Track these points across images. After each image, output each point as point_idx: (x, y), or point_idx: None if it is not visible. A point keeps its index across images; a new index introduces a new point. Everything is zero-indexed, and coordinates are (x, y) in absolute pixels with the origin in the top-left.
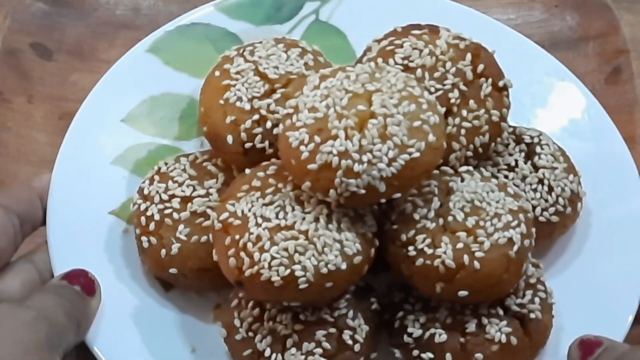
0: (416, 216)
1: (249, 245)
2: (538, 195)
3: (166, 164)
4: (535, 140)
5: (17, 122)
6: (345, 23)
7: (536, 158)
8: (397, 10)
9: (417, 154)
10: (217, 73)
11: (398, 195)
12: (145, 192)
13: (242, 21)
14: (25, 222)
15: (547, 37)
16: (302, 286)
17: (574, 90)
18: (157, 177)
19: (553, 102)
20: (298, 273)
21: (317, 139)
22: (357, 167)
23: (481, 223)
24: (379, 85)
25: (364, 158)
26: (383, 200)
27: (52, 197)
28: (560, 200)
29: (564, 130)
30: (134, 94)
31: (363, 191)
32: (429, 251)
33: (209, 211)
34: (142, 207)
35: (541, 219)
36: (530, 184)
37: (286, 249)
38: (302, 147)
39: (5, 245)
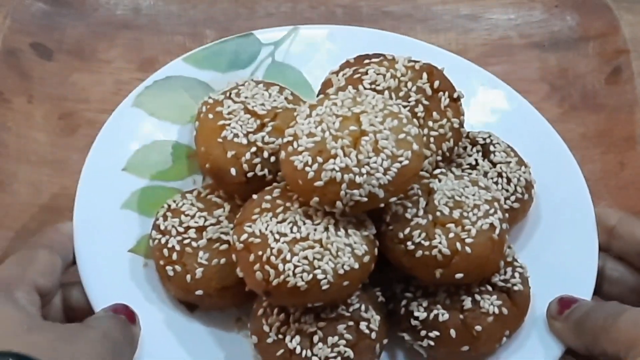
0: (408, 216)
1: (272, 258)
2: (500, 186)
3: (174, 201)
4: (488, 140)
5: (17, 122)
6: (298, 61)
7: (492, 155)
8: (341, 46)
9: (406, 162)
10: (210, 116)
11: (394, 198)
12: (162, 227)
13: (209, 70)
14: (63, 262)
15: (547, 37)
16: (324, 287)
17: (506, 95)
18: (169, 214)
19: (488, 109)
20: (320, 276)
21: (320, 159)
22: (358, 179)
23: (465, 214)
24: (363, 107)
25: (363, 170)
26: (382, 205)
27: (77, 242)
28: (518, 189)
29: (502, 132)
30: (129, 145)
31: (365, 199)
32: (426, 243)
33: (223, 237)
34: (162, 240)
35: (505, 206)
36: (492, 178)
37: (306, 257)
38: (307, 168)
39: (53, 283)
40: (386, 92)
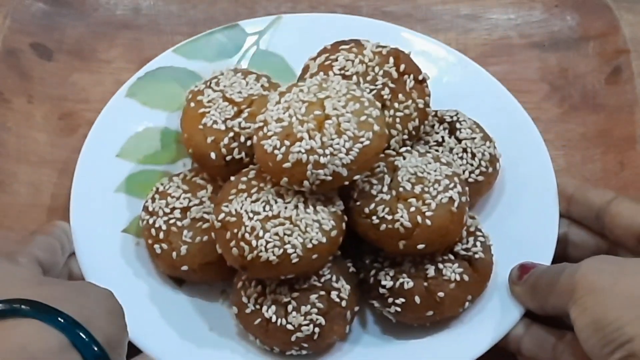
0: (373, 192)
1: (246, 235)
2: (465, 161)
3: (162, 184)
4: (454, 118)
5: (17, 122)
6: (281, 48)
7: (458, 132)
8: (320, 33)
9: (367, 142)
10: (192, 104)
11: (357, 177)
12: (150, 209)
13: (198, 60)
14: (62, 250)
15: (547, 37)
16: (294, 260)
17: (475, 74)
18: (157, 196)
19: (457, 87)
20: (290, 250)
21: (287, 142)
22: (322, 160)
23: (426, 189)
24: (327, 92)
25: (327, 152)
26: (347, 183)
27: (74, 223)
28: (483, 162)
29: (472, 109)
30: (123, 132)
31: (330, 178)
32: (389, 217)
33: (205, 216)
34: (150, 221)
35: (470, 180)
36: (457, 154)
37: (277, 234)
38: (276, 151)
39: (54, 260)
40: (354, 77)
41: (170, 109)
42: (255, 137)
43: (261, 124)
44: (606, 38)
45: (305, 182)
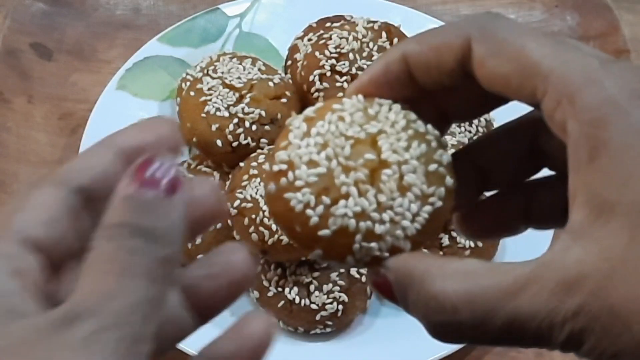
0: None
1: (265, 220)
2: (463, 128)
3: None
4: None
5: (17, 122)
6: (263, 29)
7: None
8: (301, 11)
9: (439, 203)
10: (192, 93)
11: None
12: None
13: (183, 47)
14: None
15: None
16: None
17: None
18: None
19: None
20: None
21: (326, 200)
22: (378, 229)
23: None
24: (379, 125)
25: (385, 217)
26: None
27: None
28: (480, 128)
29: None
30: (118, 126)
31: (387, 254)
32: None
33: None
34: None
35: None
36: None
37: None
38: (309, 211)
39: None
40: (350, 55)
41: (161, 97)
42: (272, 185)
43: (284, 166)
44: (606, 38)
45: (349, 258)
